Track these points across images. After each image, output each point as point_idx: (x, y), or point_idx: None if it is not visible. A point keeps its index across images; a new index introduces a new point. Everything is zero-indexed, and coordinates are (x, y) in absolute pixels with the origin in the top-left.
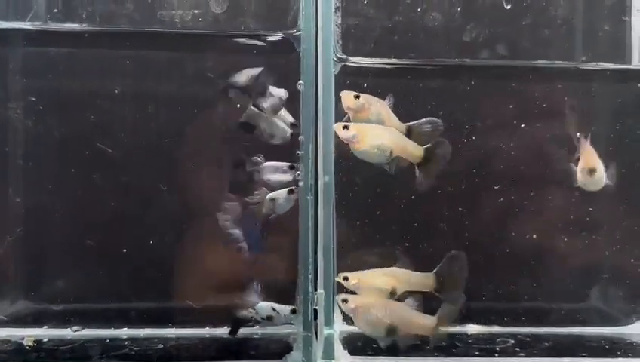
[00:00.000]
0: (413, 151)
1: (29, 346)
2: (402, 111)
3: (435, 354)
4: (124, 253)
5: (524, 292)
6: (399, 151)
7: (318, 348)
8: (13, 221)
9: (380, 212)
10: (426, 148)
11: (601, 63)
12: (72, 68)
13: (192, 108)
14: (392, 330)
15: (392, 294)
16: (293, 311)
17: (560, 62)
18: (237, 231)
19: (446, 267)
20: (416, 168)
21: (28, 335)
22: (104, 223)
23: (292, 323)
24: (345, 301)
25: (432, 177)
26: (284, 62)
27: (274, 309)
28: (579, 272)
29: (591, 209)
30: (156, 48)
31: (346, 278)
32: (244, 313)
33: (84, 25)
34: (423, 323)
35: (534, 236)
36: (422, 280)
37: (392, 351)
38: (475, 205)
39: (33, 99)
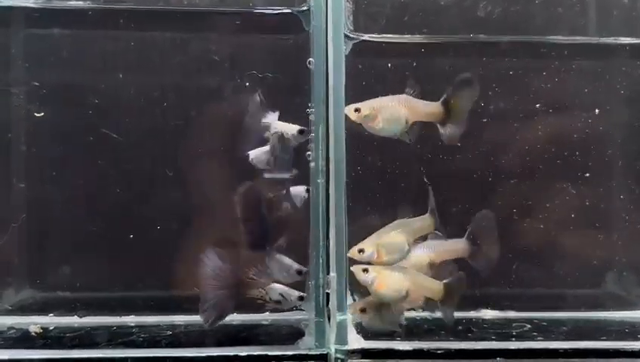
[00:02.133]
0: (429, 109)
1: (36, 333)
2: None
3: (451, 338)
4: (130, 240)
5: (541, 279)
6: (414, 115)
7: (331, 333)
8: (17, 208)
9: (392, 193)
10: (442, 101)
11: (621, 39)
12: (75, 50)
13: (199, 92)
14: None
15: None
16: (301, 298)
17: (577, 37)
18: None
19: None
20: (439, 127)
21: (34, 322)
22: (109, 210)
23: (302, 309)
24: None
25: (460, 130)
26: (292, 42)
27: (282, 295)
28: (595, 258)
29: (607, 196)
30: (161, 29)
31: (361, 250)
32: (256, 292)
33: (87, 2)
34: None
35: (551, 223)
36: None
37: (407, 334)
38: (491, 190)
39: (36, 83)
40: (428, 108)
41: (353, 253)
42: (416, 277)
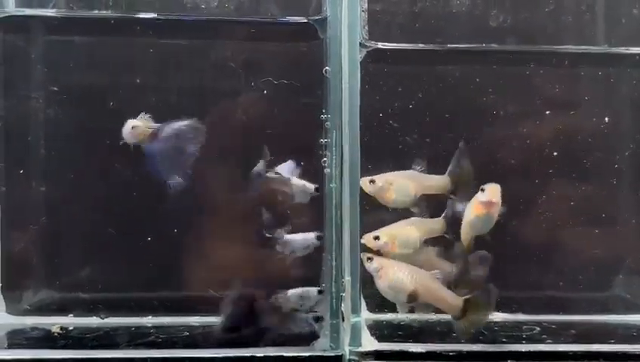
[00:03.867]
0: (438, 183)
1: (58, 333)
2: (427, 99)
3: (462, 340)
4: (147, 242)
5: (549, 282)
6: (423, 190)
7: (345, 335)
8: (36, 210)
9: None
10: (449, 174)
11: (631, 48)
12: (94, 57)
13: (215, 98)
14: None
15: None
16: (320, 292)
17: (587, 47)
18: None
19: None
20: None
21: (53, 323)
22: (127, 212)
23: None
24: (370, 259)
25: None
26: (307, 50)
27: (302, 297)
28: (603, 261)
29: (615, 199)
30: (180, 36)
31: (377, 238)
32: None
33: (109, 11)
34: (450, 301)
35: (559, 226)
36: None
37: (420, 337)
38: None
39: (55, 88)
40: (434, 182)
41: (367, 239)
42: (430, 283)
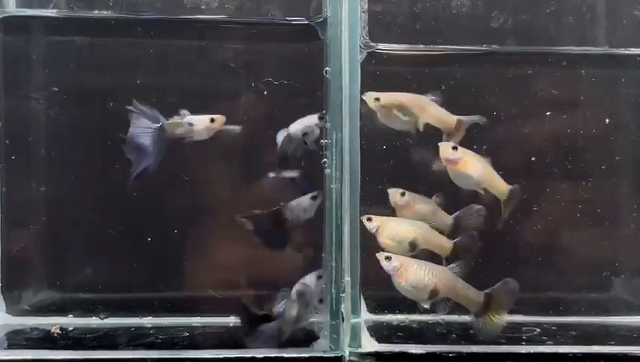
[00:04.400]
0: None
1: (57, 334)
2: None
3: (462, 342)
4: (147, 243)
5: (549, 283)
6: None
7: (345, 336)
8: (37, 211)
9: None
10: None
11: (632, 49)
12: (95, 57)
13: (215, 99)
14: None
15: (412, 246)
16: (320, 301)
17: (588, 48)
18: None
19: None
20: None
21: (53, 323)
22: (127, 213)
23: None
24: (388, 258)
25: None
26: (307, 50)
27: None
28: (603, 263)
29: (618, 201)
30: (180, 37)
31: (369, 219)
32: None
33: (109, 12)
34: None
35: (560, 227)
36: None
37: (420, 338)
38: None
39: (56, 89)
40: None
41: (362, 218)
42: (450, 278)
